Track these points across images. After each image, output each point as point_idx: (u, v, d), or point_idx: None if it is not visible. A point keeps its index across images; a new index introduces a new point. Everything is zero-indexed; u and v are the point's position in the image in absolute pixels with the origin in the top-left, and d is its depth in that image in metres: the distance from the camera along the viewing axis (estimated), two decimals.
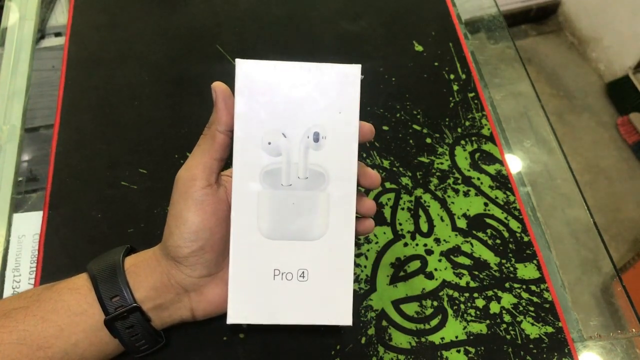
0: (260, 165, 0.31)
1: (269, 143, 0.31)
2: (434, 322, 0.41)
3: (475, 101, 0.52)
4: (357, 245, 0.44)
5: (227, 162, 0.33)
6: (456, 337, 0.40)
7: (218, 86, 0.31)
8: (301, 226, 0.32)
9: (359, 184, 0.33)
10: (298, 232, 0.32)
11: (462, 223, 0.45)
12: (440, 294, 0.42)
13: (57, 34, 0.56)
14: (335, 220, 0.32)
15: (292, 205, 0.32)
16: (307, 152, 0.31)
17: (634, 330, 0.42)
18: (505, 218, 0.46)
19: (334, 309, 0.32)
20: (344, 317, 0.32)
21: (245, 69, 0.31)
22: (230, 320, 0.32)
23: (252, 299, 0.32)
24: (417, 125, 0.50)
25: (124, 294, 0.32)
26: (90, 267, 0.33)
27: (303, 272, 0.32)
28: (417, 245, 0.44)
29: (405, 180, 0.47)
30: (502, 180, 0.47)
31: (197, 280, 0.33)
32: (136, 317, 0.32)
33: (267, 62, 0.31)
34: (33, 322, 0.31)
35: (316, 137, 0.31)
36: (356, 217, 0.33)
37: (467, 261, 0.43)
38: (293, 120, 0.31)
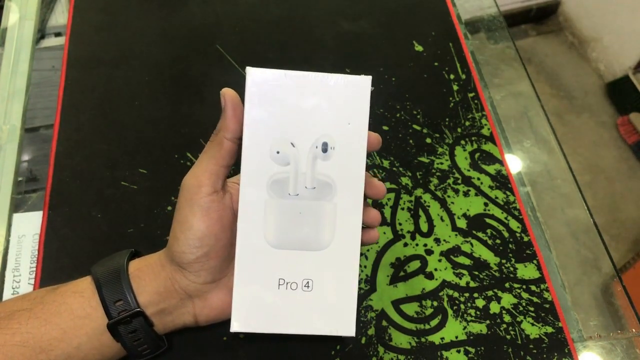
0: (267, 174, 0.31)
1: (277, 152, 0.31)
2: (434, 322, 0.41)
3: (475, 101, 0.52)
4: None
5: (233, 169, 0.33)
6: (456, 337, 0.40)
7: (227, 93, 0.31)
8: (307, 236, 0.32)
9: (364, 195, 0.33)
10: (304, 241, 0.32)
11: (462, 223, 0.45)
12: (440, 294, 0.42)
13: (57, 34, 0.56)
14: (341, 231, 0.32)
15: (299, 215, 0.32)
16: (315, 162, 0.31)
17: (634, 330, 0.42)
18: (505, 218, 0.46)
19: (338, 320, 0.32)
20: (347, 328, 0.32)
21: (255, 77, 0.31)
22: (234, 328, 0.31)
23: (256, 308, 0.32)
24: (417, 125, 0.50)
25: (127, 298, 0.32)
26: (94, 271, 0.33)
27: (308, 282, 0.32)
28: (417, 245, 0.44)
29: (405, 180, 0.47)
30: (502, 180, 0.47)
31: (201, 287, 0.33)
32: (139, 321, 0.32)
33: (277, 70, 0.31)
34: (36, 324, 0.31)
35: (325, 148, 0.31)
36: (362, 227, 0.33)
37: (467, 261, 0.43)
38: (302, 130, 0.31)
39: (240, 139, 0.31)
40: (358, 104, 0.31)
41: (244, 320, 0.32)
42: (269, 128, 0.31)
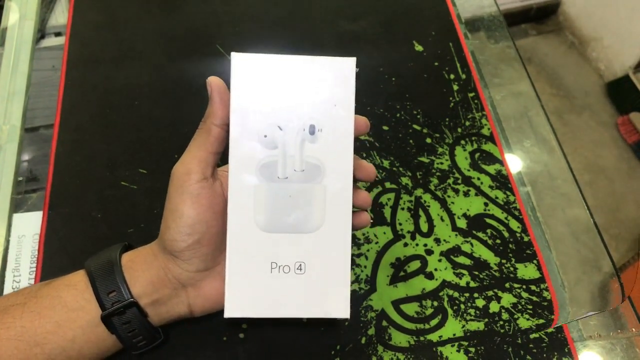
0: (256, 158, 0.31)
1: (265, 136, 0.31)
2: (434, 322, 0.41)
3: (475, 101, 0.52)
4: (357, 245, 0.44)
5: (224, 157, 0.33)
6: (455, 335, 0.40)
7: (213, 80, 0.32)
8: (298, 219, 0.32)
9: (354, 177, 0.33)
10: (295, 224, 0.32)
11: (462, 223, 0.45)
12: (440, 294, 0.42)
13: (57, 34, 0.56)
14: (331, 212, 0.32)
15: (289, 198, 0.32)
16: (303, 144, 0.31)
17: (634, 330, 0.42)
18: (505, 218, 0.45)
19: (332, 302, 0.32)
20: (341, 310, 0.32)
21: (240, 62, 0.31)
22: (228, 313, 0.31)
23: (249, 292, 0.32)
24: (417, 125, 0.50)
25: (120, 289, 0.32)
26: (88, 264, 0.33)
27: (300, 265, 0.32)
28: (417, 245, 0.44)
29: (405, 180, 0.47)
30: (502, 180, 0.47)
31: (194, 275, 0.33)
32: (133, 312, 0.32)
33: (262, 55, 0.31)
34: (30, 318, 0.31)
35: (312, 130, 0.31)
36: (352, 210, 0.33)
37: (467, 261, 0.43)
38: (289, 113, 0.31)
39: (228, 125, 0.31)
40: (343, 86, 0.31)
41: (238, 305, 0.32)
42: (255, 112, 0.31)
